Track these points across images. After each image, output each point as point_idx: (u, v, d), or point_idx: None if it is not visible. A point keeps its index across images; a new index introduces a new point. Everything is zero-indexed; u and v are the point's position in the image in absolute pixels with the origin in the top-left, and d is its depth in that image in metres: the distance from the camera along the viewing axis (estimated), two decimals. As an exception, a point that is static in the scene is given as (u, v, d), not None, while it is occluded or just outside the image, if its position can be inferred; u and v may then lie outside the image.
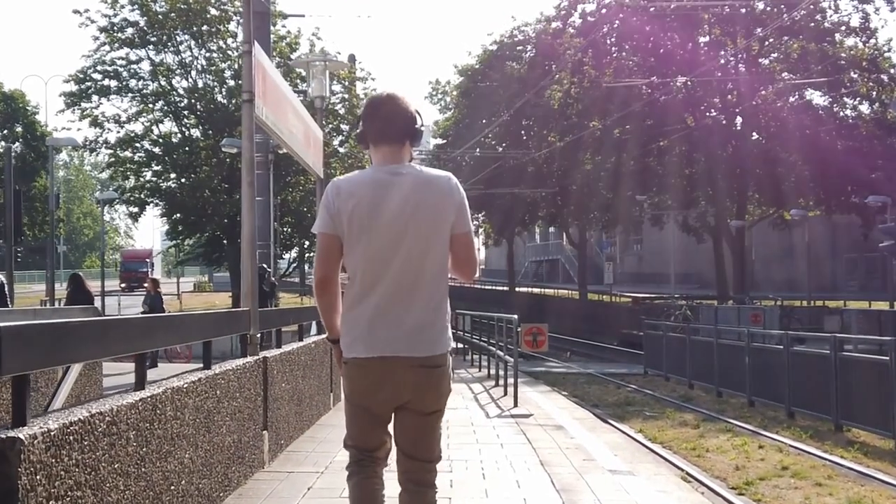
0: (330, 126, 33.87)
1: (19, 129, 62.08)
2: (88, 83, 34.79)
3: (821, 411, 12.97)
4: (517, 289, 60.89)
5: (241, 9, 17.81)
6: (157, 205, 36.86)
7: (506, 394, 12.86)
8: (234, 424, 5.98)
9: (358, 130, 3.63)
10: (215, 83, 35.89)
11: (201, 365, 5.79)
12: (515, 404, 11.68)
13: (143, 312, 16.61)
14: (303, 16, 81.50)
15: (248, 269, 7.18)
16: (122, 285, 38.53)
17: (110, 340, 4.16)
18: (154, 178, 36.27)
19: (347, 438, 3.59)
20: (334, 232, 3.43)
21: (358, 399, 3.49)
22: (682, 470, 9.19)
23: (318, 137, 11.42)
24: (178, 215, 36.30)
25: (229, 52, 35.14)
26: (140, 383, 4.55)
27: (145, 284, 21.20)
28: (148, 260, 62.56)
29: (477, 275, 3.75)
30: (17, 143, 62.15)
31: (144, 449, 4.19)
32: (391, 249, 3.38)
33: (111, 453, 3.76)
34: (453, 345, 3.56)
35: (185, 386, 4.93)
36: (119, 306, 28.70)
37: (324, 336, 3.72)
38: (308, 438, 8.56)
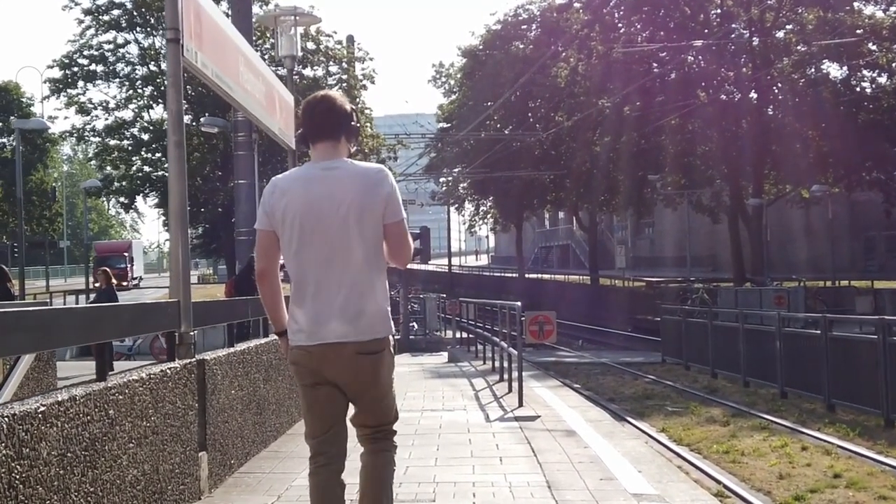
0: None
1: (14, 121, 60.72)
2: (75, 68, 33.43)
3: (867, 404, 11.46)
4: (527, 275, 59.39)
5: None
6: (147, 195, 35.48)
7: (510, 391, 11.39)
8: (144, 451, 4.58)
9: (299, 132, 3.79)
10: (207, 66, 34.47)
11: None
12: (520, 404, 10.22)
13: None
14: None
15: (177, 250, 5.77)
16: (97, 284, 35.55)
17: None
18: (145, 167, 34.88)
19: (307, 432, 3.76)
20: (270, 228, 3.64)
21: (306, 387, 3.67)
22: (719, 482, 7.75)
23: (289, 103, 9.97)
24: (174, 205, 34.93)
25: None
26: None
27: (130, 280, 19.25)
28: (126, 254, 55.03)
29: (411, 261, 3.88)
30: (11, 136, 60.90)
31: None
32: (323, 242, 3.56)
33: None
34: (394, 330, 3.69)
35: (42, 409, 3.51)
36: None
37: None
38: (270, 454, 7.18)
